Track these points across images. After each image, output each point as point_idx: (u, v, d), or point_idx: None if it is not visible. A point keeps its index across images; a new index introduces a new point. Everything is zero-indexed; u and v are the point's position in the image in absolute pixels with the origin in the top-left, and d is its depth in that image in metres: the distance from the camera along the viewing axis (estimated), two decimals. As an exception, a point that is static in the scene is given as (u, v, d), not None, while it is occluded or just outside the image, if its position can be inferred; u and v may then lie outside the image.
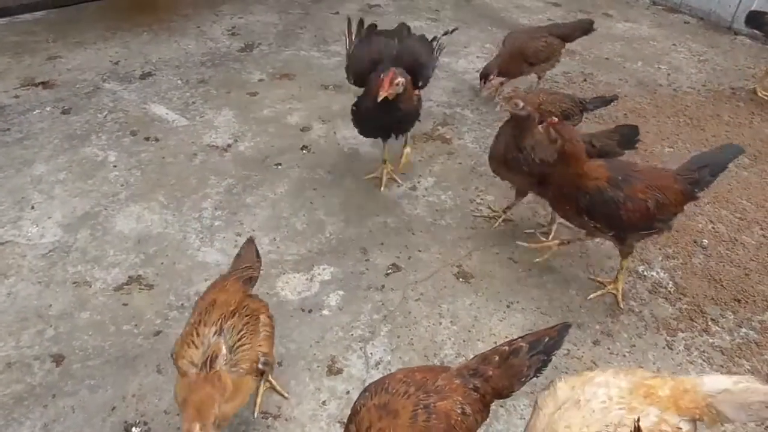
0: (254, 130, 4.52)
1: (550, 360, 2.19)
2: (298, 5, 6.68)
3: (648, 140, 4.54)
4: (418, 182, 4.09)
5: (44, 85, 4.90)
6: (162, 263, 3.38)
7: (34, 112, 4.57)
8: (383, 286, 3.29)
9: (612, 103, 4.30)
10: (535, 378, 2.19)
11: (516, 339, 2.20)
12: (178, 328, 3.03)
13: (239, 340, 2.20)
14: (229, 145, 4.35)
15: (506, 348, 2.15)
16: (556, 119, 2.98)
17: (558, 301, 3.26)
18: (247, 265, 2.63)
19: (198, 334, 2.19)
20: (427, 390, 1.99)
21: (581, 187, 2.94)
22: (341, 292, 3.25)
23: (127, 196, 3.83)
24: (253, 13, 6.42)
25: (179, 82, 5.08)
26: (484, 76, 4.68)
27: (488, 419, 2.63)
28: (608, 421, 1.91)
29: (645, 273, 3.48)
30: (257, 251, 2.77)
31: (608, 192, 2.90)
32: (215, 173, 4.08)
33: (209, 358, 2.08)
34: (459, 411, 1.99)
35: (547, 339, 2.17)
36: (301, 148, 4.35)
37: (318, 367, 2.85)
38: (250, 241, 2.80)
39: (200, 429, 1.85)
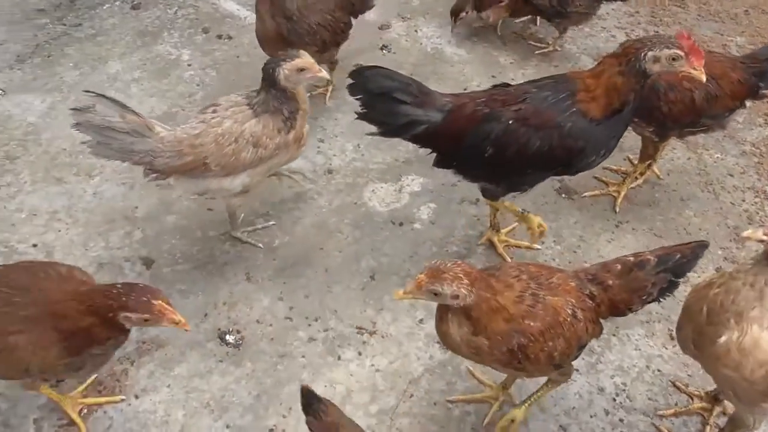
0: (331, 28, 4.18)
1: (678, 283, 1.98)
2: None
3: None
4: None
5: (111, -23, 4.65)
6: (244, 169, 3.24)
7: (104, 7, 4.36)
8: (478, 200, 3.04)
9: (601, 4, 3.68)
10: (657, 302, 2.00)
11: (644, 251, 1.99)
12: (265, 237, 2.94)
13: None
14: (305, 44, 4.06)
15: (631, 259, 1.97)
16: None
17: (673, 222, 2.95)
18: None
19: None
20: (539, 282, 1.88)
21: None
22: (433, 205, 3.04)
23: (203, 97, 3.65)
24: None
25: (249, -26, 4.73)
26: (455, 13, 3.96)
27: (601, 349, 2.48)
28: None
29: (777, 194, 3.10)
30: None
31: None
32: (293, 74, 3.82)
33: None
34: (569, 312, 1.86)
35: (678, 256, 1.96)
36: (381, 48, 4.02)
37: (412, 283, 2.72)
38: None
39: None
